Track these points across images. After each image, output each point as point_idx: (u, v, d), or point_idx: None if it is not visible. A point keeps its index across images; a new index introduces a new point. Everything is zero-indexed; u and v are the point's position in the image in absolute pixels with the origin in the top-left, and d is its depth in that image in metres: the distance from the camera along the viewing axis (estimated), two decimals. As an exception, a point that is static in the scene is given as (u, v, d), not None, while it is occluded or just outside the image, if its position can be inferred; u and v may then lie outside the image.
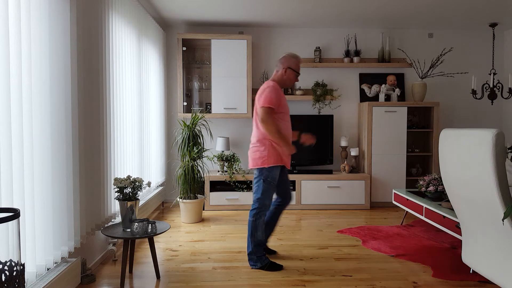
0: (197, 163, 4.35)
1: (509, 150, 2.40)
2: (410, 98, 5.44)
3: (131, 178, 2.88)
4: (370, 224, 4.26)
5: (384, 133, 5.04)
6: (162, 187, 5.06)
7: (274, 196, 3.22)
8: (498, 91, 4.97)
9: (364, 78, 5.43)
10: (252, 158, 3.08)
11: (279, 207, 3.27)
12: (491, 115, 5.59)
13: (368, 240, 3.67)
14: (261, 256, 3.03)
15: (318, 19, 4.95)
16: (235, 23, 5.15)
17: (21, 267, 1.61)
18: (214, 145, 5.27)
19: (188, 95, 5.27)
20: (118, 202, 3.03)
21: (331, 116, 5.12)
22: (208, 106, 5.17)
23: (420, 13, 4.70)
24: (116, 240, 3.30)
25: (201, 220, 4.42)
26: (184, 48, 5.00)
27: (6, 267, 1.54)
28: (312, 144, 3.21)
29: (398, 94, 5.21)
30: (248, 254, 3.05)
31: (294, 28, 5.36)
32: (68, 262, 2.46)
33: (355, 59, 5.28)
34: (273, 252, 3.33)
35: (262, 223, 3.05)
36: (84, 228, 2.69)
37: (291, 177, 4.92)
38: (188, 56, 5.21)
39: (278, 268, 3.00)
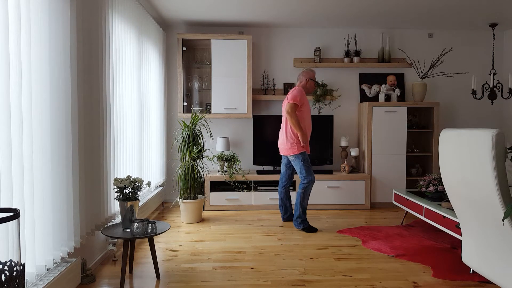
0: (197, 163, 4.35)
1: (509, 150, 2.39)
2: (410, 98, 5.44)
3: (131, 178, 2.88)
4: (370, 224, 4.26)
5: (384, 133, 5.04)
6: (162, 187, 5.06)
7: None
8: (498, 91, 4.97)
9: (364, 78, 5.43)
10: (286, 149, 4.10)
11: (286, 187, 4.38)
12: (491, 115, 5.59)
13: (368, 240, 3.66)
14: (304, 220, 4.01)
15: (318, 19, 4.95)
16: (235, 23, 5.15)
17: (21, 267, 1.61)
18: (214, 145, 5.27)
19: (188, 95, 5.27)
20: (118, 202, 3.03)
21: (331, 116, 5.12)
22: (208, 106, 5.17)
23: (420, 13, 4.70)
24: (116, 240, 3.30)
25: (201, 220, 4.42)
26: (184, 48, 5.00)
27: (6, 267, 1.54)
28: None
29: (398, 94, 5.21)
30: (295, 219, 4.05)
31: (294, 28, 5.36)
32: (68, 262, 2.46)
33: (355, 59, 5.28)
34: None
35: (308, 193, 4.06)
36: (84, 228, 2.69)
37: (291, 177, 4.93)
38: (188, 56, 5.21)
39: (314, 230, 3.97)
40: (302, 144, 3.99)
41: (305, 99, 4.05)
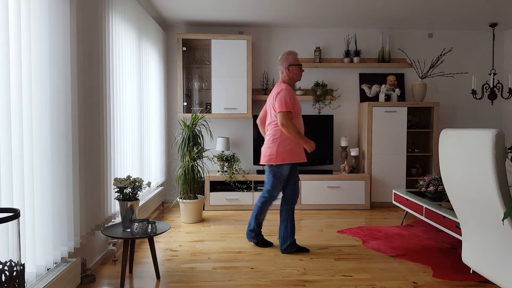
0: (197, 163, 4.35)
1: (509, 150, 2.40)
2: (410, 98, 5.44)
3: (131, 178, 2.88)
4: (370, 224, 4.26)
5: (384, 133, 5.04)
6: (162, 187, 5.05)
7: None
8: (498, 91, 4.97)
9: (364, 78, 5.43)
10: (263, 155, 3.36)
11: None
12: (491, 115, 5.59)
13: (368, 240, 3.66)
14: (259, 234, 3.52)
15: (318, 19, 4.95)
16: (235, 23, 5.15)
17: (21, 267, 1.61)
18: (214, 145, 5.27)
19: (188, 95, 5.27)
20: (118, 202, 3.03)
21: (331, 116, 5.12)
22: (208, 106, 5.17)
23: (420, 13, 4.69)
24: (116, 240, 3.30)
25: (201, 220, 4.42)
26: (184, 48, 5.00)
27: (6, 267, 1.54)
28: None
29: (398, 94, 5.21)
30: (249, 231, 3.52)
31: (294, 28, 5.36)
32: (68, 262, 2.46)
33: (355, 59, 5.28)
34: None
35: (266, 209, 3.47)
36: (84, 228, 2.69)
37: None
38: (188, 56, 5.21)
39: (269, 244, 3.50)
40: (296, 153, 3.26)
41: (295, 99, 3.29)
